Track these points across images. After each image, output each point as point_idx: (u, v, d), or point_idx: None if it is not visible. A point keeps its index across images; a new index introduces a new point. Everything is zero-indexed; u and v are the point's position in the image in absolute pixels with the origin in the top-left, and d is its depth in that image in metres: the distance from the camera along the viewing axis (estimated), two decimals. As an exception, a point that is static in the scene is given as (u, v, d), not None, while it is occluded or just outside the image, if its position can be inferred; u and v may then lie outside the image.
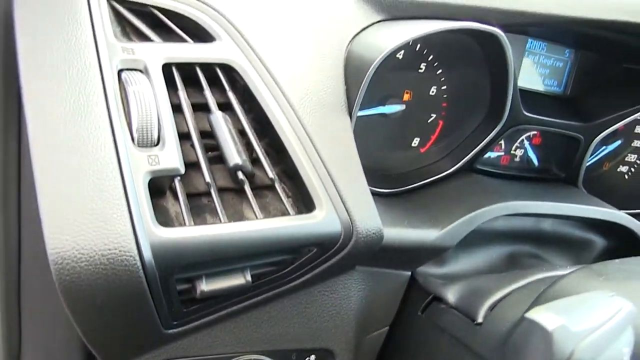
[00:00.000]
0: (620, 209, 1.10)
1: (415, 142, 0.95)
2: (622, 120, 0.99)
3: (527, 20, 0.86)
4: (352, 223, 0.69)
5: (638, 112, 0.99)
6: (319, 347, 0.79)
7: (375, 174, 0.90)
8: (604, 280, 0.66)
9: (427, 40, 0.87)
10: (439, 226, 0.83)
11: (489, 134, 0.91)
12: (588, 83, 1.04)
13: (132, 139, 0.62)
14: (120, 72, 0.65)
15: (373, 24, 0.80)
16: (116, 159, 0.59)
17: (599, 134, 0.99)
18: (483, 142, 0.92)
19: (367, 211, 0.70)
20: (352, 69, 0.75)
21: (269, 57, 0.73)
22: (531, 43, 0.98)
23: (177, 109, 0.67)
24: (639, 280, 0.68)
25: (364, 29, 0.79)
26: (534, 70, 1.00)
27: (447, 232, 0.82)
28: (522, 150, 1.04)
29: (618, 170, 1.17)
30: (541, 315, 0.54)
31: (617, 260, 0.76)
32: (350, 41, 0.78)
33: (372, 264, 0.80)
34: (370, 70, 0.72)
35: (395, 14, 0.81)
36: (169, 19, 0.73)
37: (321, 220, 0.67)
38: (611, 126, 0.99)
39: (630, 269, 0.71)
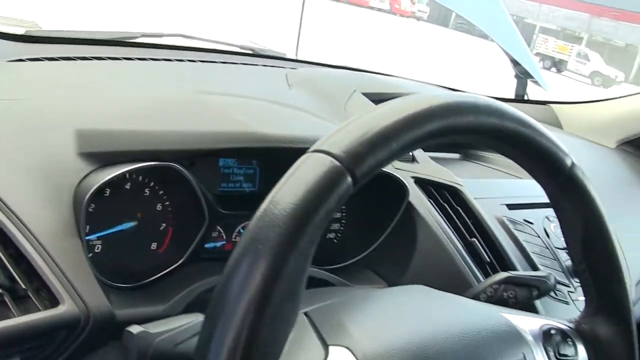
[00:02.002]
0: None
1: (154, 245, 1.31)
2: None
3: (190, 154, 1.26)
4: (88, 310, 1.02)
5: None
6: None
7: (124, 273, 1.23)
8: None
9: (142, 172, 1.25)
10: (166, 301, 1.18)
11: (200, 231, 1.29)
12: (274, 180, 1.45)
13: None
14: None
15: (92, 171, 1.17)
16: None
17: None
18: (198, 237, 1.29)
19: (99, 300, 1.05)
20: (76, 208, 1.11)
21: (19, 209, 1.06)
22: (224, 161, 1.39)
23: None
24: None
25: (86, 176, 1.16)
26: (232, 179, 1.40)
27: (171, 305, 1.18)
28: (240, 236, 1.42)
29: (327, 237, 1.59)
30: None
31: None
32: (76, 186, 1.14)
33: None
34: (83, 209, 1.08)
35: (108, 162, 1.19)
36: None
37: (64, 311, 1.00)
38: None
39: None
